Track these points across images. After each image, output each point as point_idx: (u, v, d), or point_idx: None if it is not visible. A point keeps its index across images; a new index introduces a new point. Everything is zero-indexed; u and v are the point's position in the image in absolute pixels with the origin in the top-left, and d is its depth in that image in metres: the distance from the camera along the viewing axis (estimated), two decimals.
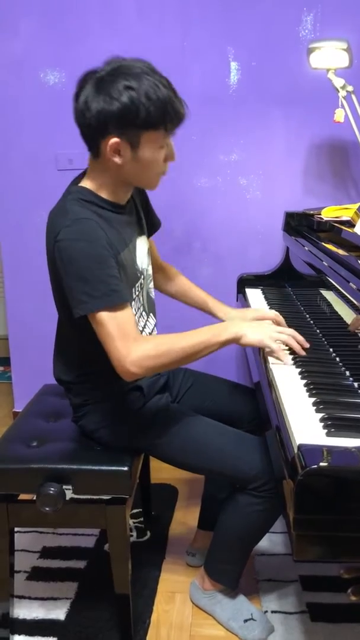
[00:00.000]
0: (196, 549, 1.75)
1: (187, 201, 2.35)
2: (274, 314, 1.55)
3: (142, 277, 1.45)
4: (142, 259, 1.46)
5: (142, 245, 1.46)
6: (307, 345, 1.38)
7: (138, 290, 1.43)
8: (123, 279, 1.30)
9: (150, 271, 1.52)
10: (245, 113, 2.26)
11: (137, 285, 1.42)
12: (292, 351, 1.39)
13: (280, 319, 1.55)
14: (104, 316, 1.22)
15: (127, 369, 1.23)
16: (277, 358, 1.33)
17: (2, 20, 2.26)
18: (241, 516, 1.43)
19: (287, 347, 1.39)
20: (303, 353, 1.36)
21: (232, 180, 2.33)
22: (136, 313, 1.41)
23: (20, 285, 2.48)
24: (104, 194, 1.31)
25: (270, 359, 1.36)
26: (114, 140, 1.21)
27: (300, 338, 1.38)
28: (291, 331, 1.39)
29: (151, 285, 1.54)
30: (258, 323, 1.41)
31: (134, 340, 1.24)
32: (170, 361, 1.27)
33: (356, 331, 1.34)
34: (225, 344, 1.32)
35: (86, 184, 1.32)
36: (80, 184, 1.32)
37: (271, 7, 2.16)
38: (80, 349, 1.41)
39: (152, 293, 1.56)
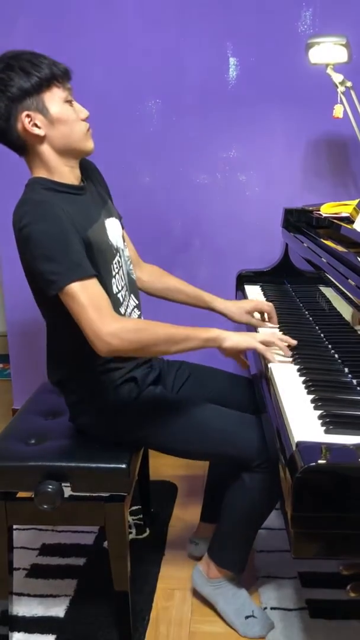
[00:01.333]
0: (199, 537, 1.75)
1: (186, 198, 2.35)
2: (268, 305, 1.60)
3: (119, 255, 1.45)
4: (116, 239, 1.45)
5: (113, 226, 1.46)
6: (294, 342, 1.40)
7: (117, 267, 1.42)
8: (97, 256, 1.33)
9: (127, 253, 1.53)
10: (244, 109, 2.25)
11: (114, 262, 1.41)
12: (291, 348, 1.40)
13: (274, 313, 1.60)
14: (74, 289, 1.23)
15: (104, 339, 1.23)
16: (266, 358, 1.35)
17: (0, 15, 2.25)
18: (245, 495, 1.44)
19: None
20: (289, 352, 1.37)
21: (231, 177, 2.32)
22: (119, 291, 1.41)
23: (18, 282, 2.45)
24: (56, 178, 1.35)
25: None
26: (24, 114, 1.28)
27: (286, 338, 1.41)
28: (276, 336, 1.41)
29: (131, 266, 1.54)
30: (244, 332, 1.43)
31: (110, 315, 1.25)
32: (148, 341, 1.28)
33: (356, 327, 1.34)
34: (205, 343, 1.34)
35: (37, 174, 1.36)
36: (33, 177, 1.37)
37: (270, 2, 2.16)
38: (67, 343, 1.39)
39: (133, 275, 1.56)
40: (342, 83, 1.94)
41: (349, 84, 1.94)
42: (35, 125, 1.29)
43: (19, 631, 1.51)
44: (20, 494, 1.45)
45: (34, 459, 1.40)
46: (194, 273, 2.38)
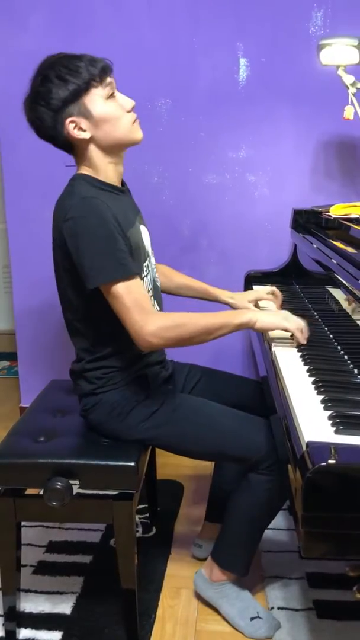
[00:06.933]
0: (203, 540, 1.75)
1: (195, 198, 2.35)
2: (269, 296, 1.69)
3: (149, 259, 1.50)
4: (147, 244, 1.52)
5: (145, 233, 1.52)
6: (303, 341, 1.43)
7: (147, 270, 1.48)
8: (134, 254, 1.38)
9: (153, 261, 1.57)
10: (254, 110, 2.25)
11: (145, 264, 1.47)
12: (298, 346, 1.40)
13: (278, 293, 1.71)
14: (119, 289, 1.29)
15: (146, 339, 1.30)
16: (297, 340, 1.41)
17: (11, 15, 2.26)
18: (251, 497, 1.44)
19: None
20: (303, 342, 1.42)
21: (240, 177, 2.32)
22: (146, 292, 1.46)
23: (27, 281, 2.48)
24: (101, 177, 1.40)
25: (277, 352, 1.38)
26: (68, 121, 1.33)
27: (306, 333, 1.43)
28: (300, 323, 1.44)
29: (157, 274, 1.58)
30: (270, 310, 1.52)
31: (151, 313, 1.32)
32: (187, 335, 1.34)
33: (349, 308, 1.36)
34: (239, 328, 1.39)
35: (83, 171, 1.41)
36: (78, 172, 1.42)
37: (281, 3, 2.16)
38: (93, 331, 1.43)
39: (158, 282, 1.60)
40: (353, 84, 1.94)
41: None
42: (80, 129, 1.34)
43: (26, 627, 1.52)
44: (29, 491, 1.46)
45: (43, 456, 1.41)
46: (202, 273, 2.38)
